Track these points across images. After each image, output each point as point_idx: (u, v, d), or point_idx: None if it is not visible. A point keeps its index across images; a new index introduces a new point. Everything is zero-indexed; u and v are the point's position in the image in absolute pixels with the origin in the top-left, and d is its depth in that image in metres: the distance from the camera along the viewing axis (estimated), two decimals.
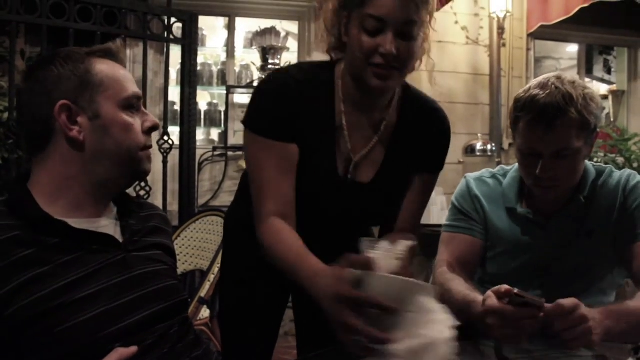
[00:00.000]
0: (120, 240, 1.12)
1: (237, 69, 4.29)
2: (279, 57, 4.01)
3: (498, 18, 4.00)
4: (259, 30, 4.18)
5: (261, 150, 1.26)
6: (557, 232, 1.45)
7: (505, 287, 1.11)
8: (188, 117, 3.32)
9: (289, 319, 1.55)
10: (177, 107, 3.65)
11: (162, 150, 3.19)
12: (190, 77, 3.31)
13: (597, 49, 5.44)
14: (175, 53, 3.42)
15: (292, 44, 4.30)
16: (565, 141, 1.31)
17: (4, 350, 0.96)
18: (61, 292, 0.98)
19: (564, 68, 5.73)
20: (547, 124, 1.30)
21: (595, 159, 3.75)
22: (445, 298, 1.39)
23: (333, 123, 1.30)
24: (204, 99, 4.39)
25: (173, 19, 3.26)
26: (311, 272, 1.08)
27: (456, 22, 4.07)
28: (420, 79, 3.78)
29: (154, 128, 1.16)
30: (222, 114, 4.24)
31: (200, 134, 4.18)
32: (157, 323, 1.08)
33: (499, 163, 3.65)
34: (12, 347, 0.96)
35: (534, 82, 1.38)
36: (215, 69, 4.32)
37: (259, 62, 4.06)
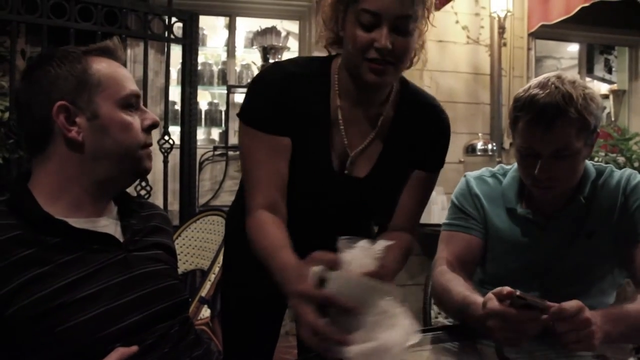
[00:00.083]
0: (121, 239, 1.12)
1: (237, 68, 4.29)
2: (279, 56, 4.01)
3: (499, 17, 4.00)
4: (259, 29, 4.18)
5: (253, 142, 1.26)
6: (557, 232, 1.44)
7: (507, 289, 1.10)
8: (189, 116, 3.32)
9: (290, 318, 1.55)
10: (178, 107, 3.65)
11: (163, 150, 3.19)
12: (191, 77, 3.31)
13: (597, 49, 5.43)
14: (176, 53, 3.42)
15: (293, 44, 4.30)
16: (564, 141, 1.30)
17: (4, 350, 0.96)
18: (62, 292, 0.98)
19: (564, 67, 5.72)
20: (547, 124, 1.29)
21: (596, 159, 3.75)
22: (444, 298, 1.39)
23: (328, 117, 1.30)
24: (204, 98, 4.39)
25: (174, 19, 3.26)
26: (281, 266, 1.08)
27: (457, 22, 4.07)
28: (421, 78, 3.78)
29: (154, 126, 1.15)
30: (223, 113, 4.24)
31: (200, 134, 4.18)
32: (158, 323, 1.08)
33: (499, 163, 3.64)
34: (13, 347, 0.96)
35: (533, 81, 1.36)
36: (215, 69, 4.32)
37: (259, 62, 4.06)
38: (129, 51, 3.52)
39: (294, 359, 1.59)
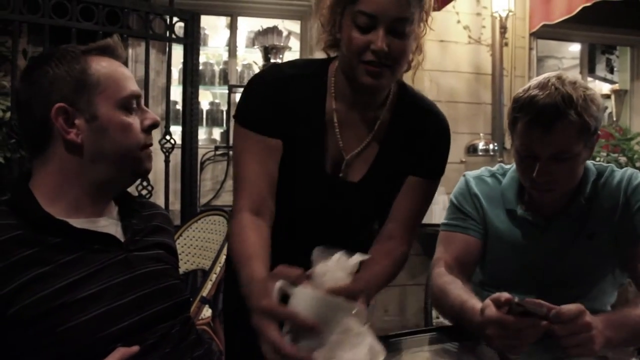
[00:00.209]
0: (122, 239, 1.12)
1: (239, 68, 4.28)
2: (281, 56, 4.00)
3: (500, 17, 4.00)
4: (261, 29, 4.17)
5: (244, 142, 1.25)
6: (558, 233, 1.42)
7: (505, 295, 1.08)
8: (190, 116, 3.32)
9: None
10: (179, 107, 3.64)
11: (164, 150, 3.19)
12: (192, 77, 3.31)
13: (599, 48, 5.43)
14: (178, 52, 3.42)
15: (294, 44, 4.30)
16: (563, 144, 1.28)
17: (6, 350, 0.96)
18: (63, 292, 0.98)
19: (566, 67, 5.72)
20: (546, 126, 1.27)
21: (597, 159, 3.74)
22: (442, 302, 1.38)
23: (322, 120, 1.29)
24: (206, 98, 4.38)
25: (175, 19, 3.26)
26: (248, 278, 1.05)
27: (458, 22, 4.07)
28: (422, 79, 3.77)
29: (154, 126, 1.15)
30: (224, 113, 4.24)
31: (202, 134, 4.17)
32: (159, 323, 1.08)
33: (501, 162, 3.64)
34: (14, 347, 0.96)
35: (533, 81, 1.34)
36: (217, 69, 4.31)
37: (261, 62, 4.05)
38: (130, 51, 3.52)
39: None
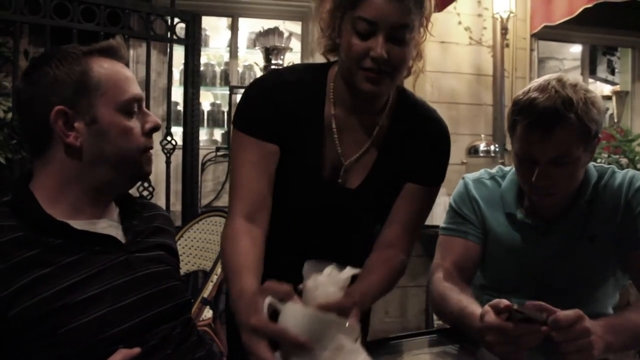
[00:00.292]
0: (123, 241, 1.12)
1: (240, 69, 4.29)
2: (282, 57, 4.00)
3: (501, 18, 3.99)
4: (262, 30, 4.17)
5: (241, 146, 1.25)
6: (558, 237, 1.40)
7: (504, 302, 1.07)
8: (191, 117, 3.31)
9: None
10: (180, 108, 3.64)
11: (165, 151, 3.19)
12: (194, 78, 3.30)
13: (600, 50, 5.42)
14: (179, 53, 3.42)
15: (295, 45, 4.30)
16: (563, 148, 1.26)
17: (7, 351, 0.96)
18: (64, 293, 0.98)
19: (567, 69, 5.72)
20: (545, 129, 1.25)
21: (598, 160, 3.74)
22: (442, 308, 1.37)
23: (321, 125, 1.28)
24: (207, 99, 4.38)
25: (176, 20, 3.25)
26: (238, 293, 1.03)
27: (459, 23, 4.07)
28: (422, 80, 3.77)
29: (155, 129, 1.14)
30: (225, 114, 4.24)
31: (203, 135, 4.17)
32: (160, 324, 1.08)
33: (502, 164, 3.64)
34: (16, 348, 0.96)
35: (534, 83, 1.32)
36: (218, 70, 4.31)
37: (262, 63, 4.05)
38: (131, 52, 3.52)
39: None
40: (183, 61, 3.37)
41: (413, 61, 1.26)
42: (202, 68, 3.76)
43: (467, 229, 1.47)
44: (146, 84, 3.13)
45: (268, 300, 0.92)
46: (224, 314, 2.48)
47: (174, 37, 3.26)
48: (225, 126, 4.23)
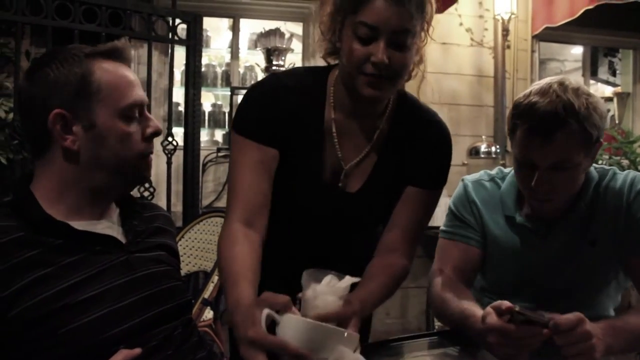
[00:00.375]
0: (123, 241, 1.12)
1: (241, 70, 4.29)
2: (283, 58, 4.00)
3: (502, 20, 4.00)
4: (263, 31, 4.17)
5: (241, 150, 1.24)
6: (559, 241, 1.38)
7: (506, 303, 1.06)
8: (192, 118, 3.32)
9: None
10: (181, 108, 3.65)
11: (166, 151, 3.19)
12: (195, 78, 3.31)
13: (602, 51, 5.42)
14: (180, 54, 3.42)
15: (297, 46, 4.30)
16: (563, 154, 1.23)
17: (8, 351, 0.96)
18: (65, 294, 0.98)
19: (568, 70, 5.72)
20: (545, 134, 1.22)
21: (600, 161, 3.73)
22: (442, 311, 1.36)
23: (321, 130, 1.27)
24: (208, 100, 4.39)
25: (177, 20, 3.26)
26: (234, 304, 1.02)
27: (460, 24, 4.07)
28: (424, 82, 3.76)
29: (156, 134, 1.13)
30: (226, 115, 4.25)
31: (204, 135, 4.18)
32: (161, 324, 1.08)
33: (502, 165, 3.64)
34: (16, 348, 0.96)
35: (535, 86, 1.28)
36: (219, 70, 4.32)
37: (263, 64, 4.05)
38: (132, 52, 3.52)
39: None
40: (184, 62, 3.37)
41: (414, 65, 1.25)
42: (203, 69, 3.76)
43: (466, 232, 1.46)
44: (147, 85, 3.13)
45: (266, 312, 0.91)
46: (224, 315, 2.48)
47: (175, 37, 3.27)
48: (226, 127, 4.23)
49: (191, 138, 3.30)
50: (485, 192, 1.48)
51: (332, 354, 0.88)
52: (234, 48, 4.23)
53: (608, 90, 5.37)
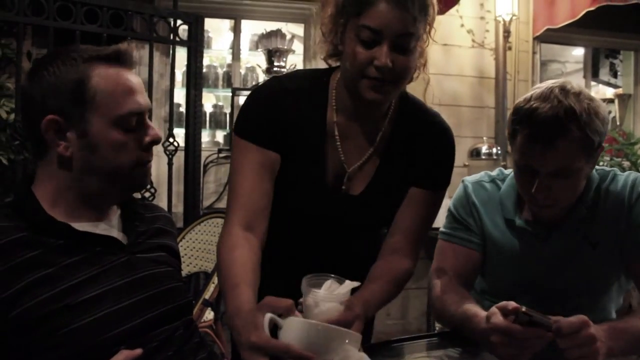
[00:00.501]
0: (125, 242, 1.12)
1: (242, 71, 4.29)
2: (284, 59, 4.01)
3: (504, 21, 4.00)
4: (264, 32, 4.18)
5: (242, 154, 1.23)
6: (559, 244, 1.36)
7: (512, 304, 1.05)
8: (193, 119, 3.32)
9: None
10: (183, 109, 3.65)
11: (168, 152, 3.20)
12: (196, 79, 3.31)
13: (603, 53, 5.43)
14: (181, 55, 3.42)
15: (298, 47, 4.30)
16: (564, 161, 1.21)
17: (9, 352, 0.96)
18: (66, 294, 0.98)
19: (569, 71, 5.72)
20: (546, 141, 1.20)
21: (601, 163, 3.73)
22: (443, 313, 1.35)
23: (324, 133, 1.27)
24: (209, 101, 4.39)
25: (179, 21, 3.26)
26: (235, 309, 1.01)
27: (462, 25, 4.07)
28: (424, 82, 3.77)
29: (154, 143, 1.11)
30: (227, 116, 4.25)
31: (205, 136, 4.18)
32: (162, 325, 1.08)
33: (503, 166, 3.64)
34: (17, 349, 0.96)
35: (536, 90, 1.26)
36: (220, 71, 4.32)
37: (264, 65, 4.06)
38: (134, 53, 3.52)
39: None
40: (185, 63, 3.38)
41: (418, 69, 1.24)
42: (204, 70, 3.77)
43: (466, 235, 1.45)
44: (148, 86, 3.14)
45: (268, 316, 0.91)
46: (225, 316, 2.48)
47: (177, 38, 3.27)
48: (228, 128, 4.23)
49: (192, 139, 3.31)
50: (485, 194, 1.46)
51: (338, 355, 0.88)
52: (235, 49, 4.23)
53: (609, 92, 5.37)
